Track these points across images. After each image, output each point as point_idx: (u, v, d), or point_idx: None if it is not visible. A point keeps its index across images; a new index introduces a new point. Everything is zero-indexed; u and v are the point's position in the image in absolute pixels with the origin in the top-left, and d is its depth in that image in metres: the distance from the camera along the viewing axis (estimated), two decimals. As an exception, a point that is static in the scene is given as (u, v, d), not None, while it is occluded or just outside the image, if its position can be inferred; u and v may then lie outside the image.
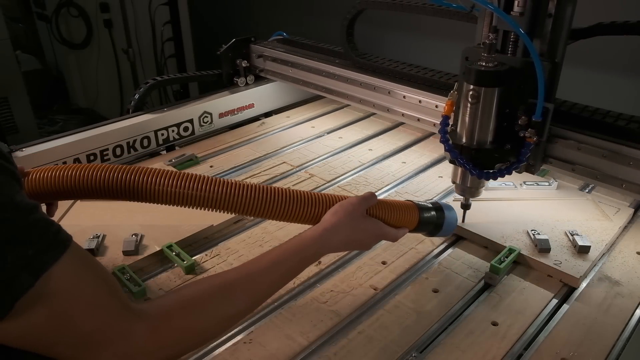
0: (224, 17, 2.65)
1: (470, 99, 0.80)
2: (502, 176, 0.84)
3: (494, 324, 0.78)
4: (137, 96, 1.35)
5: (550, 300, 0.82)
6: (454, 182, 0.92)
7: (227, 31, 2.59)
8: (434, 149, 1.32)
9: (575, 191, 1.10)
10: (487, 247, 0.95)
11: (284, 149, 1.33)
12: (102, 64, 3.24)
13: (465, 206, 0.95)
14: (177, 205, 0.72)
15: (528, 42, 0.74)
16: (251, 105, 1.51)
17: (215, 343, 0.75)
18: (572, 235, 0.93)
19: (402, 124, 1.46)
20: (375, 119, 1.50)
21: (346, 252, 0.93)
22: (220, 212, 0.72)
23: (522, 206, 1.03)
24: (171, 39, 2.73)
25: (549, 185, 1.10)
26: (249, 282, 0.61)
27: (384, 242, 0.97)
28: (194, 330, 0.55)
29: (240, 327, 0.78)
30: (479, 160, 0.83)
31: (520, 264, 0.90)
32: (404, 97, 1.20)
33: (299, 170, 1.23)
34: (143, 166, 0.72)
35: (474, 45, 0.87)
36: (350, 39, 1.30)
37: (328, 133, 1.42)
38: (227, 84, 1.52)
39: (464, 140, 0.84)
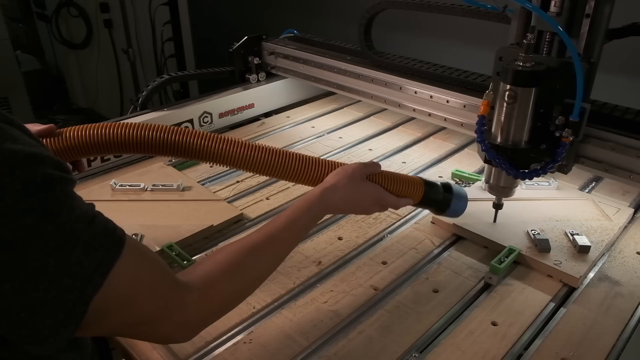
0: (224, 17, 2.65)
1: (507, 99, 0.80)
2: (538, 176, 0.85)
3: (494, 324, 0.78)
4: (144, 93, 1.36)
5: (550, 300, 0.82)
6: (487, 182, 0.92)
7: (227, 31, 2.59)
8: (434, 149, 1.32)
9: (575, 191, 1.10)
10: (487, 247, 0.95)
11: (284, 149, 1.33)
12: (102, 64, 3.24)
13: (497, 206, 0.95)
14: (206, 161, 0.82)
15: (568, 42, 0.74)
16: (251, 105, 1.51)
17: (215, 343, 0.75)
18: (572, 235, 0.93)
19: (402, 124, 1.47)
20: (375, 119, 1.50)
21: (347, 252, 0.93)
22: (226, 167, 0.83)
23: (522, 206, 1.03)
24: (171, 39, 2.73)
25: (549, 185, 1.10)
26: (272, 242, 0.67)
27: (383, 242, 0.97)
28: (236, 291, 0.63)
29: (240, 327, 0.78)
30: (515, 160, 0.83)
31: (520, 264, 0.90)
32: (415, 92, 1.22)
33: (299, 170, 1.23)
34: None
35: (507, 46, 0.87)
36: (368, 37, 1.31)
37: (328, 133, 1.43)
38: (239, 80, 1.55)
39: (498, 140, 0.84)
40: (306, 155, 0.83)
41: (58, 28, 3.31)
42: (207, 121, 1.41)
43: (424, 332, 0.76)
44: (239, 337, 0.76)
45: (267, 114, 1.57)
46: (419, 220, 1.04)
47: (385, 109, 1.56)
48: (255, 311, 0.80)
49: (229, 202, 1.09)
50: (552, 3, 0.78)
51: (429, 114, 1.21)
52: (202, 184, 1.16)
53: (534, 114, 0.81)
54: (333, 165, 0.82)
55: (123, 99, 3.17)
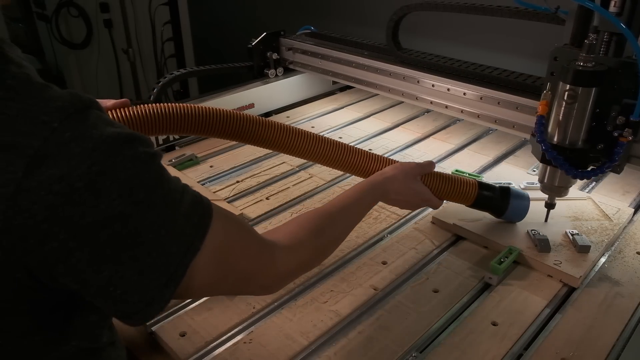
0: (224, 17, 2.65)
1: (566, 99, 0.80)
2: (595, 175, 0.85)
3: (494, 324, 0.78)
4: (155, 90, 1.36)
5: (550, 300, 0.82)
6: (541, 182, 0.92)
7: (227, 31, 2.59)
8: (435, 149, 1.32)
9: (575, 191, 1.10)
10: (487, 247, 0.95)
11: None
12: (102, 64, 3.24)
13: (550, 205, 0.95)
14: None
15: (634, 41, 0.74)
16: (251, 105, 1.51)
17: (215, 343, 0.75)
18: (572, 235, 0.93)
19: (402, 123, 1.47)
20: (375, 119, 1.50)
21: (347, 252, 0.93)
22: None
23: (522, 206, 1.03)
24: (171, 39, 2.73)
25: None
26: (345, 211, 0.74)
27: (383, 242, 0.97)
28: (318, 248, 0.68)
29: (240, 327, 0.78)
30: (574, 160, 0.83)
31: (520, 264, 0.90)
32: (433, 85, 1.26)
33: (299, 170, 1.23)
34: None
35: (562, 46, 0.87)
36: (396, 35, 1.34)
37: (328, 133, 1.42)
38: (257, 75, 1.59)
39: (555, 139, 0.84)
40: (364, 150, 0.92)
41: (58, 28, 3.31)
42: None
43: (424, 332, 0.76)
44: (239, 337, 0.76)
45: (267, 114, 1.57)
46: (419, 220, 1.04)
47: (385, 109, 1.57)
48: (255, 311, 0.80)
49: (229, 202, 1.09)
50: (612, 3, 0.78)
51: (446, 106, 1.26)
52: (202, 184, 1.16)
53: (592, 113, 0.81)
54: (388, 162, 0.91)
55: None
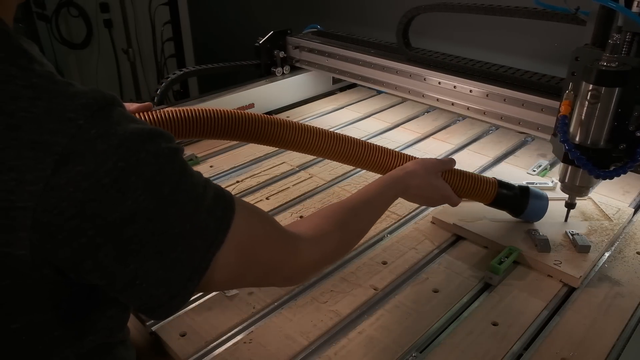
0: (224, 17, 2.65)
1: (589, 99, 0.81)
2: (618, 175, 0.85)
3: (494, 324, 0.78)
4: (163, 84, 1.37)
5: (550, 300, 0.82)
6: (561, 182, 0.92)
7: (227, 31, 2.59)
8: (435, 149, 1.32)
9: (575, 191, 1.10)
10: (487, 247, 0.95)
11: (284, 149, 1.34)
12: (102, 64, 3.25)
13: (570, 205, 0.95)
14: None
15: None
16: (251, 105, 1.51)
17: (215, 343, 0.75)
18: (572, 235, 0.93)
19: (402, 123, 1.47)
20: (375, 119, 1.50)
21: (348, 253, 0.93)
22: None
23: (522, 206, 1.03)
24: (171, 39, 2.73)
25: (549, 185, 1.10)
26: (367, 205, 0.75)
27: (383, 242, 0.97)
28: (342, 239, 0.68)
29: (240, 327, 0.78)
30: (596, 159, 0.83)
31: (520, 264, 0.90)
32: (439, 83, 1.29)
33: (299, 170, 1.23)
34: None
35: (583, 46, 0.87)
36: (406, 34, 1.36)
37: (328, 133, 1.42)
38: (264, 73, 1.61)
39: (577, 139, 0.85)
40: (384, 148, 0.92)
41: (58, 28, 3.31)
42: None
43: (424, 332, 0.76)
44: (239, 337, 0.76)
45: (267, 114, 1.57)
46: (418, 220, 1.04)
47: (385, 109, 1.57)
48: (255, 311, 0.80)
49: (229, 202, 1.08)
50: (635, 3, 0.78)
51: (452, 104, 1.28)
52: (202, 184, 1.16)
53: (615, 113, 0.82)
54: (408, 158, 0.91)
55: (123, 99, 3.16)
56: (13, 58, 0.43)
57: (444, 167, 0.88)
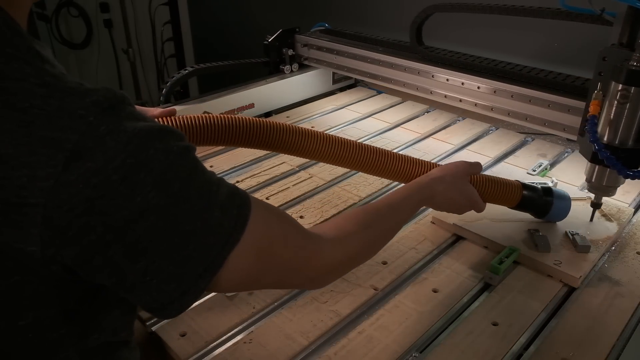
0: (224, 17, 2.65)
1: (619, 99, 0.81)
2: None
3: (494, 324, 0.78)
4: (165, 89, 1.37)
5: (550, 300, 0.82)
6: (588, 182, 0.93)
7: (227, 31, 2.59)
8: (435, 149, 1.32)
9: (575, 191, 1.10)
10: (487, 247, 0.95)
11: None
12: (102, 64, 3.25)
13: (596, 205, 0.96)
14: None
15: None
16: (251, 105, 1.51)
17: (215, 343, 0.75)
18: (572, 235, 0.93)
19: (402, 123, 1.47)
20: (374, 119, 1.50)
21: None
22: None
23: (522, 206, 1.03)
24: (171, 39, 2.73)
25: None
26: (392, 209, 0.73)
27: (384, 242, 0.97)
28: (367, 241, 0.67)
29: (240, 327, 0.78)
30: (626, 159, 0.84)
31: (520, 264, 0.90)
32: (447, 80, 1.31)
33: (299, 170, 1.23)
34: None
35: (610, 46, 0.88)
36: (420, 32, 1.37)
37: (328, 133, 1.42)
38: (273, 71, 1.63)
39: (605, 139, 0.85)
40: (407, 156, 0.90)
41: (58, 28, 3.31)
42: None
43: (424, 332, 0.76)
44: (239, 337, 0.76)
45: (267, 114, 1.57)
46: (419, 220, 1.04)
47: (385, 109, 1.57)
48: (255, 311, 0.80)
49: (229, 202, 1.08)
50: None
51: (460, 100, 1.30)
52: (202, 184, 1.16)
53: None
54: (432, 165, 0.88)
55: (123, 99, 3.17)
56: (27, 57, 0.44)
57: (472, 171, 0.86)
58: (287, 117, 1.54)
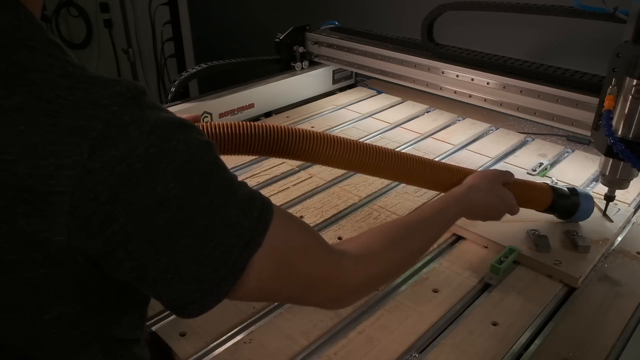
0: (224, 17, 2.65)
1: (634, 94, 0.83)
2: None
3: (494, 324, 0.78)
4: (173, 88, 1.37)
5: (550, 300, 0.82)
6: (602, 175, 0.94)
7: (227, 31, 2.59)
8: (435, 149, 1.32)
9: (575, 191, 1.10)
10: (487, 247, 0.95)
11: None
12: (102, 64, 3.25)
13: (609, 198, 0.97)
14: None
15: None
16: (251, 105, 1.51)
17: (215, 343, 0.75)
18: (572, 235, 0.93)
19: (402, 123, 1.47)
20: (374, 119, 1.50)
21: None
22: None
23: (522, 206, 1.03)
24: (171, 39, 2.74)
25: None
26: (424, 224, 0.71)
27: (384, 242, 0.97)
28: (393, 260, 0.65)
29: (240, 327, 0.78)
30: None
31: (520, 264, 0.90)
32: (457, 76, 1.34)
33: (299, 170, 1.23)
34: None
35: (623, 43, 0.90)
36: (431, 29, 1.39)
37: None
38: (284, 68, 1.66)
39: (619, 133, 0.86)
40: (441, 162, 0.89)
41: (58, 28, 3.31)
42: (207, 121, 1.41)
43: (424, 332, 0.76)
44: (239, 337, 0.76)
45: (267, 114, 1.57)
46: (419, 220, 1.04)
47: (385, 109, 1.57)
48: (255, 311, 0.80)
49: (229, 202, 1.08)
50: None
51: (470, 96, 1.32)
52: (202, 184, 1.16)
53: None
54: (468, 172, 0.87)
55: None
56: (49, 50, 0.44)
57: (505, 178, 0.86)
58: (287, 117, 1.54)
